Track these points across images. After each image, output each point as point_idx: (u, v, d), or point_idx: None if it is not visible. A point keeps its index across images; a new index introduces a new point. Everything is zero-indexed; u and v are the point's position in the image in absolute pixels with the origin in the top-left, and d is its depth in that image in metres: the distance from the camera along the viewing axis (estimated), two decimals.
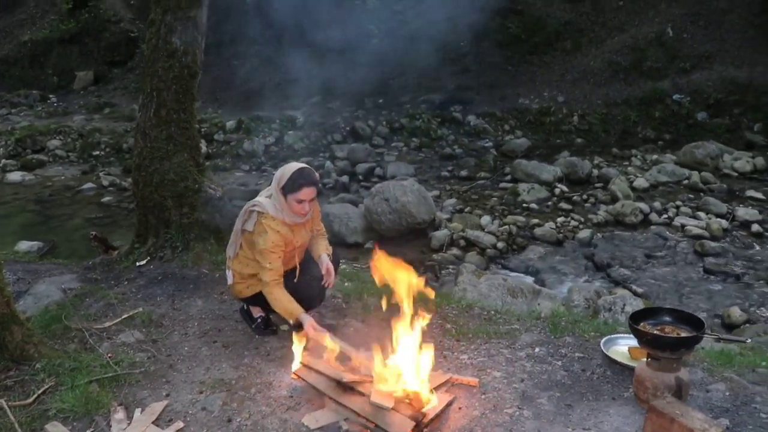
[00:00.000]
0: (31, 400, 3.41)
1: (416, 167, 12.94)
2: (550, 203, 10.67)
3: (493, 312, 4.71)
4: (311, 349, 3.64)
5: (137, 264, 5.52)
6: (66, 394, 3.44)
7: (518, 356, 3.93)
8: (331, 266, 4.08)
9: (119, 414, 3.33)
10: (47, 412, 3.35)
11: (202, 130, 14.02)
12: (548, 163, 12.20)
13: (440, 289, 7.16)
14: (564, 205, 10.49)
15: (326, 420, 3.22)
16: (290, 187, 3.78)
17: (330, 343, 3.58)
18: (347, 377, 3.28)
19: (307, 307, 4.10)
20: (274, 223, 3.83)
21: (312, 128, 14.78)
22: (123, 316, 4.48)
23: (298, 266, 4.05)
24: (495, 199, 10.97)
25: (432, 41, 16.27)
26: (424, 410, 3.12)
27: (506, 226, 9.42)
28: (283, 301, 3.85)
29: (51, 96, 18.84)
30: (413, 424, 3.04)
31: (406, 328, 3.40)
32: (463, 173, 12.54)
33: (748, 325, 6.59)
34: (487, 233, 9.21)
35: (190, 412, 3.37)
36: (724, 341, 4.37)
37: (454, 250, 8.76)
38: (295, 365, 3.55)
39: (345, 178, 12.16)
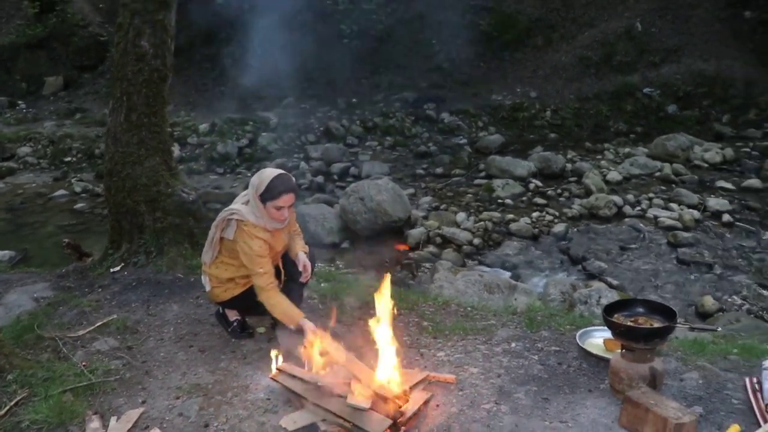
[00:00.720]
0: (2, 412, 3.35)
1: (391, 166, 12.95)
2: (524, 198, 10.73)
3: (469, 308, 4.74)
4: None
5: (111, 270, 5.47)
6: (39, 404, 3.39)
7: (495, 352, 3.95)
8: (308, 262, 4.06)
9: (94, 423, 3.29)
10: (20, 424, 3.30)
11: (175, 133, 13.90)
12: (522, 158, 12.28)
13: (417, 286, 7.19)
14: (539, 200, 10.55)
15: (304, 421, 3.21)
16: (269, 194, 3.74)
17: (333, 346, 3.53)
18: (323, 381, 3.28)
19: None
20: (256, 230, 3.79)
21: (286, 129, 14.71)
22: (97, 324, 4.43)
23: (283, 272, 4.03)
24: (470, 195, 11.00)
25: (404, 39, 16.30)
26: (402, 409, 3.13)
27: (482, 223, 9.46)
28: (283, 306, 3.80)
29: (20, 102, 18.51)
30: (390, 422, 3.04)
31: (382, 329, 3.40)
32: (438, 171, 12.58)
33: (721, 313, 6.69)
34: (463, 230, 9.24)
35: (167, 418, 3.35)
36: (697, 330, 4.45)
37: (431, 248, 8.78)
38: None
39: (320, 179, 12.13)
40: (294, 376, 3.41)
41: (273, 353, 3.57)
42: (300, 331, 3.69)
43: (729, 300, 7.12)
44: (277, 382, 3.46)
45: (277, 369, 3.48)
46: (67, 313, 4.71)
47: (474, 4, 17.70)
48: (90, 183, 12.26)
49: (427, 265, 8.20)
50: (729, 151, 12.37)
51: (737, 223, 9.30)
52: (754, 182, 10.94)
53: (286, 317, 3.79)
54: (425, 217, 9.75)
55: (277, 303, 3.80)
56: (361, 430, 3.04)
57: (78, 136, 14.72)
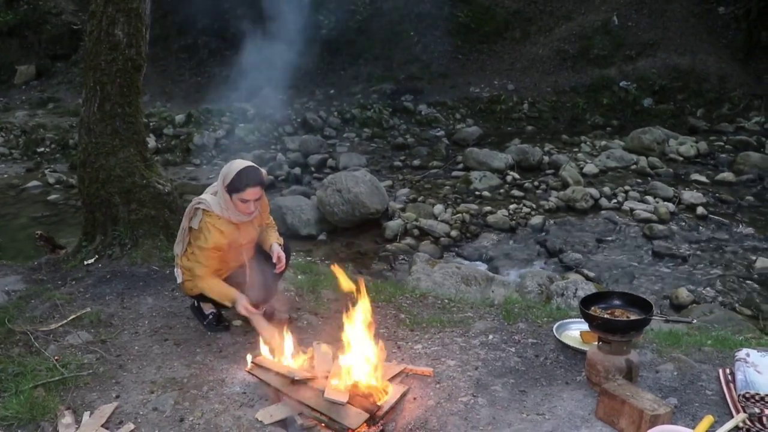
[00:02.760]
0: None
1: (368, 157, 12.93)
2: (502, 191, 10.77)
3: (447, 300, 4.73)
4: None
5: (85, 263, 5.38)
6: (9, 400, 3.33)
7: (472, 344, 3.95)
8: (282, 253, 4.02)
9: (67, 418, 3.24)
10: None
11: (151, 124, 13.76)
12: (499, 150, 12.32)
13: (394, 278, 7.18)
14: (516, 192, 10.60)
15: (280, 415, 3.18)
16: (234, 186, 3.71)
17: (258, 319, 3.76)
18: (299, 374, 3.25)
19: (261, 301, 4.06)
20: (219, 222, 3.77)
21: (263, 120, 14.62)
22: (70, 317, 4.36)
23: (247, 263, 3.99)
24: (447, 187, 11.02)
25: (382, 31, 16.24)
26: (378, 402, 3.12)
27: (459, 215, 9.48)
28: (217, 287, 3.86)
29: None
30: (367, 416, 3.03)
31: (357, 321, 3.39)
32: (416, 162, 12.58)
33: (695, 305, 6.77)
34: (441, 222, 9.25)
35: (141, 412, 3.30)
36: (672, 322, 4.49)
37: (408, 240, 8.77)
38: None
39: (297, 170, 12.07)
40: (270, 370, 3.38)
41: (249, 356, 3.54)
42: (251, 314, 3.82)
43: (703, 292, 7.20)
44: (253, 375, 3.43)
45: (252, 362, 3.45)
46: (39, 306, 4.63)
47: None
48: (64, 174, 12.09)
49: (405, 257, 8.20)
50: (703, 145, 12.53)
51: (711, 216, 9.41)
52: (727, 175, 11.09)
53: (221, 296, 3.86)
54: (403, 209, 9.74)
55: (212, 285, 3.87)
56: (338, 424, 3.02)
57: (51, 126, 14.51)
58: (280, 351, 3.51)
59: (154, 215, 5.53)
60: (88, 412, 3.29)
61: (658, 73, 15.70)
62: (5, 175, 12.36)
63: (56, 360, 3.77)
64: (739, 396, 3.18)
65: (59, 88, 18.22)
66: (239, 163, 3.81)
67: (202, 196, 3.89)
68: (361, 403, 3.08)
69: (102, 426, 3.17)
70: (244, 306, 3.77)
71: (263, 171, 3.88)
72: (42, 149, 13.67)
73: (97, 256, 5.45)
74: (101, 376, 3.65)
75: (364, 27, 17.35)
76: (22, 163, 13.12)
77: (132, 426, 3.18)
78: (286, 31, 14.79)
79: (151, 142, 12.62)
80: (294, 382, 3.24)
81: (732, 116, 14.57)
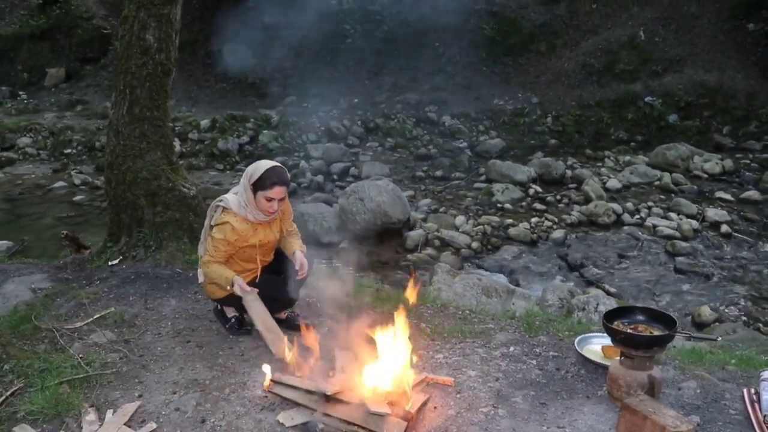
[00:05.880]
0: None
1: (391, 167, 12.94)
2: (524, 203, 10.73)
3: (467, 311, 4.73)
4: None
5: (109, 263, 5.46)
6: (35, 395, 3.38)
7: (493, 355, 3.94)
8: (305, 260, 4.04)
9: (90, 415, 3.28)
10: (15, 414, 3.29)
11: (177, 128, 13.88)
12: (522, 163, 12.28)
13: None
14: (538, 206, 10.56)
15: (301, 418, 3.20)
16: (261, 184, 3.76)
17: (252, 299, 3.86)
18: (329, 389, 3.24)
19: (282, 307, 4.09)
20: (235, 219, 3.84)
21: (287, 127, 14.70)
22: (95, 316, 4.42)
23: (259, 267, 4.02)
24: (469, 199, 11.01)
25: (407, 42, 16.29)
26: (408, 408, 3.13)
27: (481, 226, 9.46)
28: (218, 271, 3.90)
29: (21, 92, 18.50)
30: (405, 424, 3.04)
31: (385, 328, 3.42)
32: (438, 173, 12.58)
33: (717, 323, 6.69)
34: (462, 233, 9.24)
35: (163, 412, 3.33)
36: (695, 339, 4.46)
37: (429, 250, 8.77)
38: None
39: (320, 178, 12.12)
40: (293, 386, 3.37)
41: (265, 367, 3.54)
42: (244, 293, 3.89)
43: (726, 311, 7.12)
44: (274, 393, 3.42)
45: (271, 380, 3.45)
46: (64, 304, 4.70)
47: (478, 8, 17.72)
48: (89, 175, 12.25)
49: (426, 267, 8.20)
50: (728, 162, 12.40)
51: (735, 234, 9.31)
52: (752, 194, 10.96)
53: (221, 279, 3.90)
54: (424, 220, 9.75)
55: (214, 269, 3.92)
56: None
57: (78, 129, 14.71)
58: (274, 331, 3.78)
59: (178, 218, 5.60)
60: (111, 410, 3.33)
61: (685, 89, 15.57)
62: (32, 175, 12.55)
63: (81, 358, 3.82)
64: (764, 416, 3.14)
65: (87, 90, 18.46)
66: (266, 163, 3.87)
67: (223, 195, 3.98)
68: (395, 411, 3.09)
69: (125, 424, 3.21)
70: (239, 285, 3.83)
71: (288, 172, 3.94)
72: (69, 151, 13.86)
73: (121, 257, 5.52)
74: (124, 375, 3.70)
75: (390, 37, 17.41)
76: (49, 164, 13.31)
77: (154, 425, 3.21)
78: (312, 40, 14.92)
79: (176, 146, 12.74)
80: (324, 396, 3.23)
81: (759, 134, 14.39)
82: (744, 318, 6.94)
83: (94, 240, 6.40)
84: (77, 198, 11.17)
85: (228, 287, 3.90)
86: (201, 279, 4.17)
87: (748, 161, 12.87)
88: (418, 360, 3.73)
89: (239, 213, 3.85)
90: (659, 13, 17.34)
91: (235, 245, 3.89)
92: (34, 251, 8.22)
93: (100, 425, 3.21)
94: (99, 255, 5.63)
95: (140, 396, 3.48)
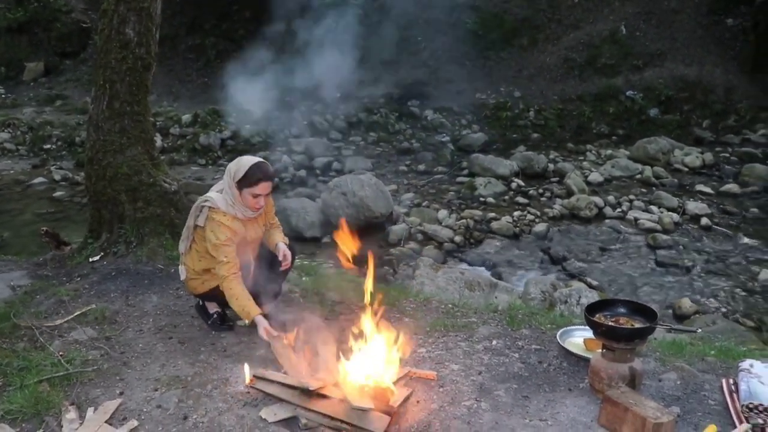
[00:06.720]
0: None
1: (374, 161, 12.94)
2: (506, 197, 10.77)
3: (450, 305, 4.73)
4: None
5: (90, 260, 5.40)
6: (14, 394, 3.34)
7: (476, 349, 3.95)
8: (287, 251, 4.04)
9: (71, 414, 3.25)
10: None
11: (158, 123, 13.78)
12: (505, 157, 12.33)
13: (398, 283, 7.18)
14: (520, 199, 10.60)
15: (284, 413, 3.19)
16: (246, 181, 3.73)
17: (280, 346, 3.61)
18: (313, 384, 3.24)
19: (264, 301, 4.07)
20: (225, 218, 3.79)
21: (269, 122, 14.63)
22: (75, 313, 4.37)
23: (253, 262, 4.01)
24: (452, 193, 11.03)
25: (390, 36, 16.23)
26: (391, 403, 3.13)
27: (463, 220, 9.49)
28: (242, 299, 3.80)
29: None
30: (389, 418, 3.04)
31: (367, 322, 3.41)
32: (421, 167, 12.59)
33: (698, 315, 6.77)
34: (445, 227, 9.26)
35: (145, 410, 3.31)
36: (676, 331, 4.49)
37: (412, 244, 8.78)
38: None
39: (302, 173, 12.10)
40: (275, 382, 3.37)
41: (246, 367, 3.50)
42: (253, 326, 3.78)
43: (706, 302, 7.20)
44: (256, 389, 3.41)
45: (252, 376, 3.44)
46: (44, 301, 4.65)
47: (461, 2, 17.71)
48: (69, 171, 12.13)
49: (408, 261, 8.20)
50: (708, 156, 12.53)
51: (715, 227, 9.41)
52: (732, 187, 11.09)
53: (242, 310, 3.81)
54: (407, 214, 9.76)
55: (237, 294, 3.81)
56: (364, 431, 3.03)
57: (58, 124, 14.55)
58: (298, 374, 3.43)
59: (160, 214, 5.55)
60: (92, 408, 3.30)
61: (665, 84, 15.69)
62: (11, 171, 12.41)
63: (61, 355, 3.78)
64: (742, 406, 3.18)
65: (67, 85, 18.26)
66: (249, 159, 3.84)
67: (208, 194, 3.92)
68: (377, 405, 3.09)
69: (106, 422, 3.18)
70: (265, 329, 3.72)
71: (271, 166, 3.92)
72: (48, 146, 13.71)
73: (102, 254, 5.47)
74: (105, 372, 3.66)
75: (372, 31, 17.36)
76: (28, 160, 13.16)
77: (135, 423, 3.19)
78: (293, 33, 14.83)
79: (158, 141, 12.64)
80: (307, 392, 3.22)
81: (738, 128, 14.56)
82: (723, 310, 7.02)
83: (75, 236, 6.34)
84: (57, 194, 11.05)
85: (247, 321, 3.85)
86: (183, 275, 4.15)
87: (727, 155, 13.00)
88: (401, 354, 3.73)
89: (228, 211, 3.81)
90: (640, 8, 17.46)
91: (236, 244, 3.86)
92: (13, 248, 8.11)
93: (81, 423, 3.18)
94: (79, 251, 5.58)
95: (121, 393, 3.45)
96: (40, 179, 11.78)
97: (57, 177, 11.80)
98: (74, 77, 18.61)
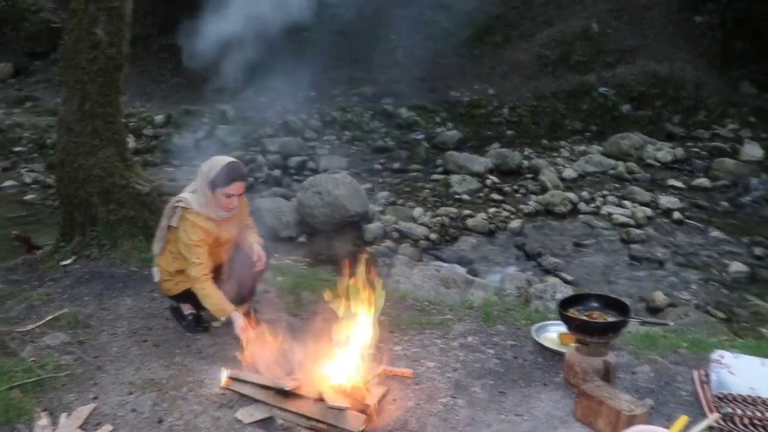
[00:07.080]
0: None
1: (349, 160, 12.90)
2: (481, 194, 10.81)
3: (426, 303, 4.75)
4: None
5: (62, 263, 5.34)
6: None
7: (451, 346, 3.97)
8: (262, 252, 4.03)
9: (43, 420, 3.21)
10: None
11: (131, 124, 13.62)
12: (479, 154, 12.36)
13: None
14: (495, 196, 10.65)
15: (260, 414, 3.18)
16: (219, 181, 3.71)
17: (255, 348, 3.59)
18: (288, 384, 3.23)
19: (239, 301, 4.05)
20: (199, 218, 3.77)
21: (243, 122, 14.54)
22: (47, 318, 4.32)
23: (227, 263, 3.99)
24: (427, 191, 11.05)
25: (363, 34, 16.23)
26: (366, 401, 3.14)
27: (438, 218, 9.51)
28: (214, 298, 3.78)
29: None
30: (364, 417, 3.04)
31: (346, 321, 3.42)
32: (396, 166, 12.59)
33: (670, 308, 6.85)
34: (420, 225, 9.28)
35: (120, 414, 3.28)
36: (649, 324, 4.56)
37: (388, 243, 8.77)
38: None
39: (277, 172, 12.03)
40: (251, 383, 3.36)
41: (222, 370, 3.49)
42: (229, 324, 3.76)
43: (678, 295, 7.29)
44: (232, 391, 3.39)
45: (228, 378, 3.43)
46: (15, 307, 4.58)
47: (434, 0, 17.75)
48: (41, 174, 11.93)
49: (384, 259, 8.20)
50: (680, 151, 12.70)
51: (687, 221, 9.53)
52: (702, 181, 11.26)
53: (217, 309, 3.80)
54: (382, 212, 9.75)
55: (211, 294, 3.79)
56: (340, 430, 3.03)
57: (28, 126, 14.31)
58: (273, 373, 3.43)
59: (133, 216, 5.50)
60: (66, 414, 3.27)
61: (637, 80, 15.85)
62: None
63: (33, 361, 3.73)
64: (713, 396, 3.23)
65: (37, 86, 17.98)
66: (222, 159, 3.82)
67: (181, 195, 3.89)
68: (354, 405, 3.10)
69: (79, 427, 3.16)
70: (241, 328, 3.71)
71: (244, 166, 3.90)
72: (19, 148, 13.47)
73: (74, 257, 5.41)
74: (79, 377, 3.63)
75: (345, 30, 17.34)
76: None
77: (110, 427, 3.16)
78: (267, 32, 14.74)
79: (131, 142, 12.51)
80: (283, 392, 3.22)
81: (708, 123, 14.76)
82: (695, 302, 7.12)
83: (47, 240, 6.25)
84: (28, 197, 10.87)
85: (221, 319, 3.83)
86: (156, 277, 4.12)
87: (698, 149, 13.17)
88: (376, 352, 3.73)
89: (201, 212, 3.79)
90: (611, 5, 17.61)
91: (209, 245, 3.83)
92: None
93: (54, 429, 3.15)
94: (51, 255, 5.51)
95: (95, 398, 3.42)
96: (10, 182, 11.58)
97: (28, 180, 11.61)
98: (44, 78, 18.32)
